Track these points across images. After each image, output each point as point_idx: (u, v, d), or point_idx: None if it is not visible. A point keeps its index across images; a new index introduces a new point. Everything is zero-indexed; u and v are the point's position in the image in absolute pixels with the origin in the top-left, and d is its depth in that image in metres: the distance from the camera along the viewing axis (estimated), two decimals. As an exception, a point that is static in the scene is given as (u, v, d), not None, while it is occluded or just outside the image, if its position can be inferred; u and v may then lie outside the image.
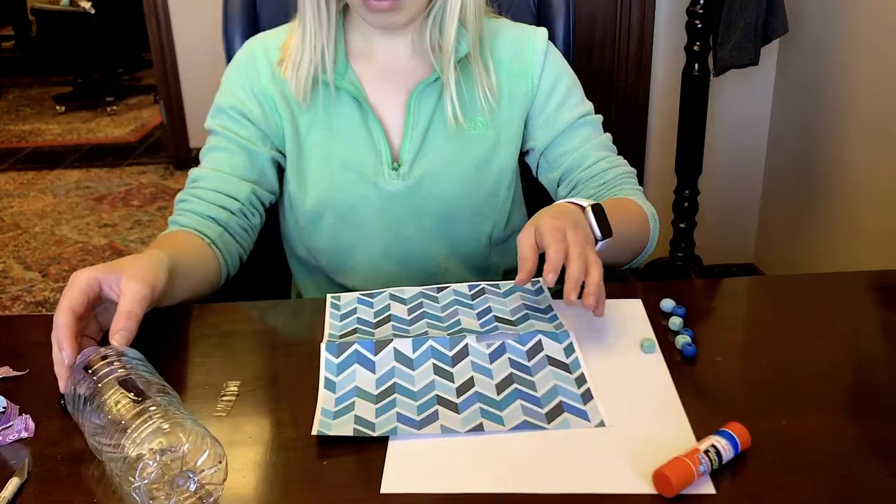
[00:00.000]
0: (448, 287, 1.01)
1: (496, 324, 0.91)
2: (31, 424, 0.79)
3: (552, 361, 0.86)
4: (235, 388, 0.84)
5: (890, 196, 1.98)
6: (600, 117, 1.21)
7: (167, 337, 0.95)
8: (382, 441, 0.75)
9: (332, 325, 0.94)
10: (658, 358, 0.87)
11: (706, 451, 0.69)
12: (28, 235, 3.47)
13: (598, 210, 0.97)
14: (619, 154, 1.21)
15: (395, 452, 0.73)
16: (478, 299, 0.98)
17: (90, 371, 0.75)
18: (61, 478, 0.72)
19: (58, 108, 5.51)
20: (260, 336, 0.97)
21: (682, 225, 2.41)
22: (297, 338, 0.97)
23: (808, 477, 0.70)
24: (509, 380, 0.83)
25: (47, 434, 0.78)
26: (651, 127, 2.61)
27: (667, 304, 0.97)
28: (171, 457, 0.64)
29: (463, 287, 1.01)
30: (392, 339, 0.87)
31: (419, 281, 1.12)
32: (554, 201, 1.09)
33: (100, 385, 0.72)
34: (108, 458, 0.68)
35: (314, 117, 1.13)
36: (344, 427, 0.76)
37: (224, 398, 0.82)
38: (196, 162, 1.17)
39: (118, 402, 0.70)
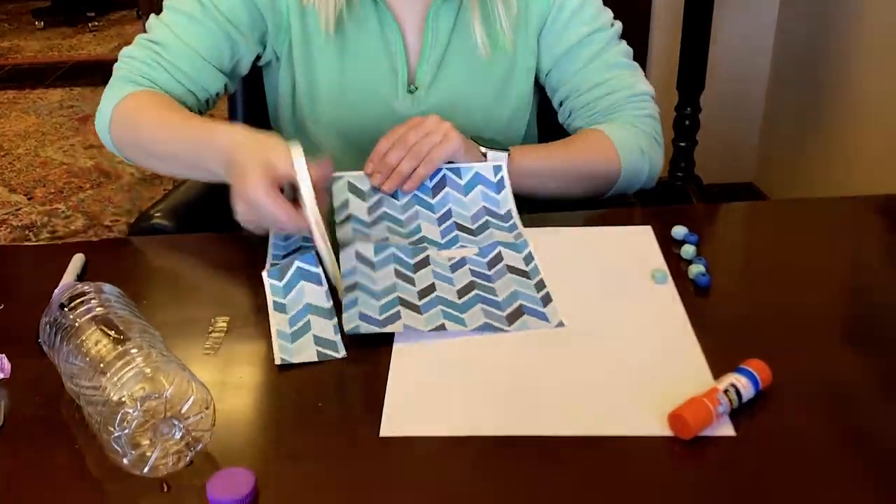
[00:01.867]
0: None
1: (456, 232, 0.92)
2: (7, 365, 0.74)
3: (512, 269, 0.86)
4: (224, 324, 0.79)
5: (894, 117, 1.92)
6: (616, 29, 1.12)
7: (148, 270, 0.90)
8: (381, 381, 0.71)
9: (275, 245, 0.90)
10: (671, 289, 0.83)
11: (725, 391, 0.65)
12: (11, 157, 3.38)
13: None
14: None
15: (395, 394, 0.69)
16: (438, 196, 0.95)
17: (66, 308, 0.70)
18: (40, 422, 0.68)
19: (36, 23, 5.31)
20: (249, 268, 0.92)
21: (682, 144, 2.34)
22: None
23: (832, 416, 0.66)
24: (470, 286, 0.83)
25: (25, 375, 0.74)
26: (652, 41, 2.52)
27: (679, 230, 0.92)
28: (153, 403, 0.60)
29: (426, 181, 0.96)
30: (354, 242, 0.87)
31: None
32: None
33: (76, 324, 0.68)
34: (86, 401, 0.64)
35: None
36: (305, 352, 0.74)
37: (212, 335, 0.78)
38: None
39: (97, 342, 0.65)
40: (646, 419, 0.66)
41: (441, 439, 0.65)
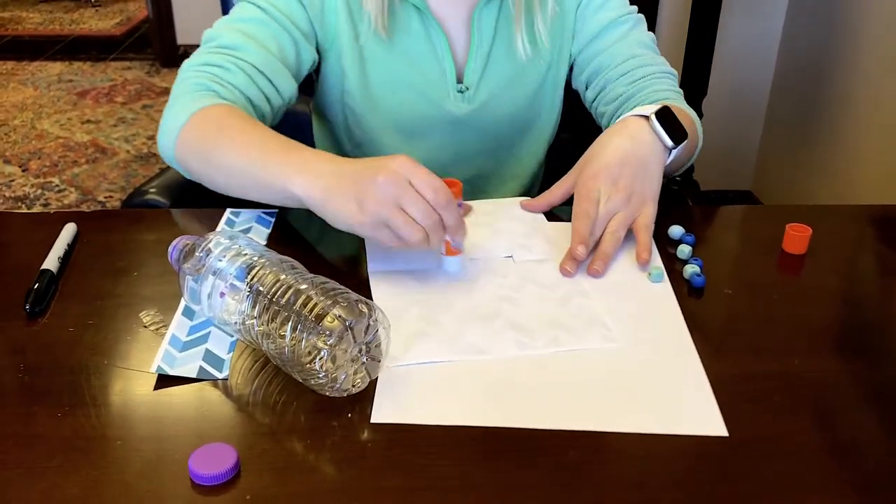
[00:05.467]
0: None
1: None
2: (-7, 330, 0.73)
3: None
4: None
5: (893, 130, 1.92)
6: (642, 17, 1.13)
7: (140, 242, 0.89)
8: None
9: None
10: (666, 287, 0.82)
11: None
12: (7, 128, 3.36)
13: (663, 113, 0.91)
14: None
15: (387, 380, 0.69)
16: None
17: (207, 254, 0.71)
18: (24, 389, 0.67)
19: (39, -5, 5.28)
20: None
21: (682, 148, 2.34)
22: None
23: (822, 420, 0.66)
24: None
25: (10, 341, 0.73)
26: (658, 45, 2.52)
27: (675, 230, 0.92)
28: (341, 337, 0.63)
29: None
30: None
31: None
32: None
33: (251, 267, 0.69)
34: (262, 336, 0.67)
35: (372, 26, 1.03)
36: (188, 364, 0.69)
37: (202, 310, 0.77)
38: (182, 59, 1.03)
39: (276, 282, 0.67)
40: (638, 416, 0.65)
41: (432, 427, 0.64)
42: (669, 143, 0.91)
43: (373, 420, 0.64)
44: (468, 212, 0.94)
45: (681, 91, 1.09)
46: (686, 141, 0.93)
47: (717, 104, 2.47)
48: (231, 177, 0.86)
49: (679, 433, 0.64)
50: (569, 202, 0.93)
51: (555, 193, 0.95)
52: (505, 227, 0.92)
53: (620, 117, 0.95)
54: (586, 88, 1.13)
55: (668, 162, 0.93)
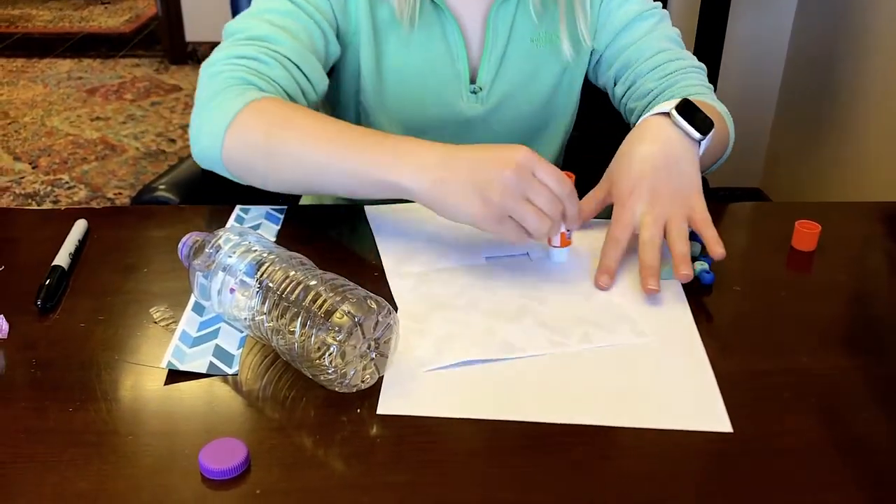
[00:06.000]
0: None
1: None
2: (5, 326, 0.73)
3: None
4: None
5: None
6: (666, 12, 1.10)
7: (151, 239, 0.89)
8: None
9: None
10: (675, 284, 0.82)
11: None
12: (18, 125, 3.37)
13: (684, 107, 0.89)
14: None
15: (394, 374, 0.69)
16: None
17: (217, 251, 0.72)
18: (35, 384, 0.68)
19: (49, -7, 5.30)
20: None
21: (691, 145, 2.33)
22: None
23: (830, 418, 0.66)
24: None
25: (21, 337, 0.73)
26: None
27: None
28: (350, 333, 0.63)
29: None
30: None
31: None
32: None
33: (261, 264, 0.69)
34: (272, 332, 0.67)
35: (392, 20, 1.01)
36: (198, 360, 0.69)
37: (212, 306, 0.77)
38: (194, 57, 1.01)
39: (286, 279, 0.67)
40: (643, 411, 0.66)
41: (440, 423, 0.64)
42: (697, 135, 0.88)
43: (379, 412, 0.65)
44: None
45: (711, 86, 1.07)
46: (713, 131, 0.90)
47: (726, 101, 2.43)
48: (307, 175, 0.83)
49: (683, 429, 0.64)
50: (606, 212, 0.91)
51: (584, 209, 0.89)
52: None
53: (642, 118, 0.93)
54: (615, 84, 1.10)
55: (699, 154, 0.90)
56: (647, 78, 1.05)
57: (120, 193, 2.84)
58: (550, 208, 0.75)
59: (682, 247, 0.82)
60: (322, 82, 0.96)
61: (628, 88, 1.08)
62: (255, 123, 0.84)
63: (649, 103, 1.04)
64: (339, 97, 1.10)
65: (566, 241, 0.85)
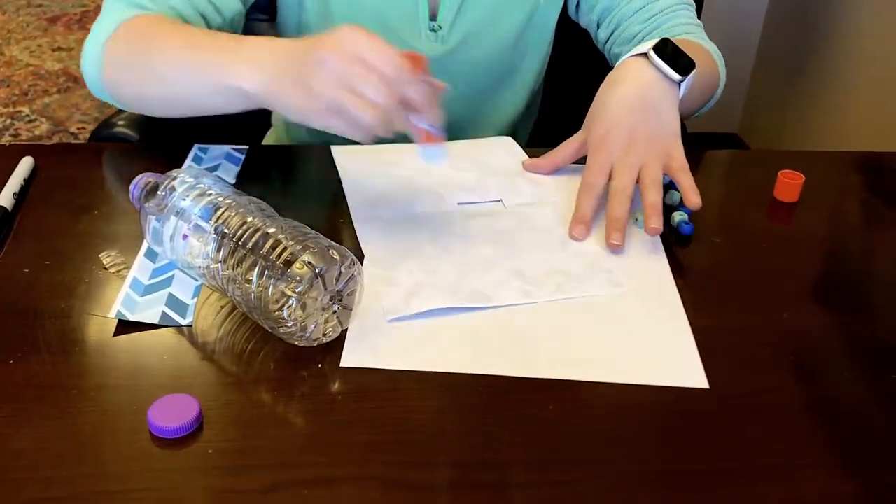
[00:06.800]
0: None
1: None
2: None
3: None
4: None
5: (884, 74, 1.88)
6: None
7: (103, 179, 0.84)
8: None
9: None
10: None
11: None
12: (-25, 54, 3.25)
13: (662, 47, 0.85)
14: None
15: (358, 326, 0.65)
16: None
17: (169, 192, 0.67)
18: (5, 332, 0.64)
19: (8, -85, 5.07)
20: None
21: (669, 89, 2.29)
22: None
23: (808, 375, 0.64)
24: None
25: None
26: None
27: (664, 176, 0.88)
28: (311, 284, 0.59)
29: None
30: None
31: None
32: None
33: (217, 208, 0.65)
34: (228, 280, 0.63)
35: None
36: (150, 310, 0.65)
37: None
38: None
39: (243, 225, 0.63)
40: (617, 366, 0.63)
41: (404, 378, 0.61)
42: (676, 76, 0.84)
43: (342, 364, 0.61)
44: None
45: (700, 24, 1.02)
46: (695, 72, 0.86)
47: (706, 44, 2.42)
48: (166, 86, 0.77)
49: (659, 384, 0.62)
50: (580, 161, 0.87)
51: (559, 154, 0.88)
52: (489, 168, 0.88)
53: (619, 60, 0.89)
54: (598, 27, 1.04)
55: (680, 97, 0.86)
56: (633, 20, 1.00)
57: (83, 127, 2.75)
58: (379, 96, 0.63)
59: (654, 196, 0.79)
60: (229, 6, 0.89)
61: (612, 32, 1.03)
62: (124, 41, 0.80)
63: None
64: (281, 31, 1.03)
65: (429, 138, 0.71)
